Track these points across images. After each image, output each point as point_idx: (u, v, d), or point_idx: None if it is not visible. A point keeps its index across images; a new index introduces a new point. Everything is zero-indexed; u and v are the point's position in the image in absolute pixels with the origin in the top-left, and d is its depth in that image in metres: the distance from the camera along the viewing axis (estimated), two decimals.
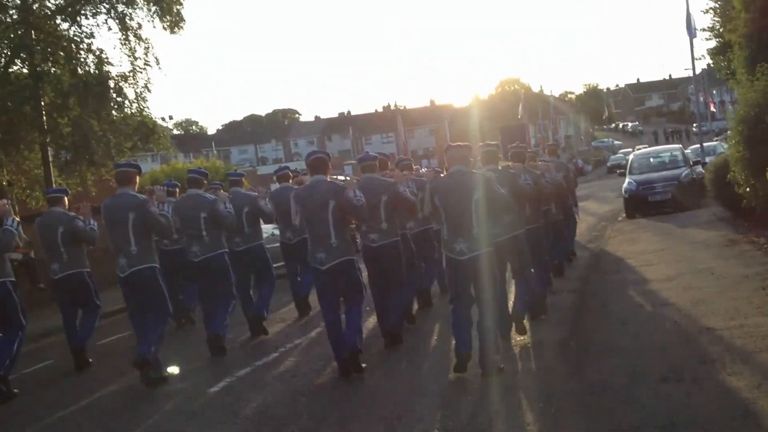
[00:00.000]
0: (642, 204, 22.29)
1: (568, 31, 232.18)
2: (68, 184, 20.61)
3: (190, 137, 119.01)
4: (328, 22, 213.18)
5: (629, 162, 25.61)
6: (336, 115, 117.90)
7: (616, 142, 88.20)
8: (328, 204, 8.25)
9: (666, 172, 23.03)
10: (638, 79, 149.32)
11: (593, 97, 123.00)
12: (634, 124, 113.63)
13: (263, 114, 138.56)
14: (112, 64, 20.64)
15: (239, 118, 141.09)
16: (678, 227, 17.82)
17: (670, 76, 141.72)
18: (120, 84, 20.60)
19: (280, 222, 12.40)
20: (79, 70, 19.91)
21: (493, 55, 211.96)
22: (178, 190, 13.10)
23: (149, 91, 21.23)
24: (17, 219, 9.69)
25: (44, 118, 19.66)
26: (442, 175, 10.85)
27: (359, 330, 8.59)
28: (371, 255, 9.53)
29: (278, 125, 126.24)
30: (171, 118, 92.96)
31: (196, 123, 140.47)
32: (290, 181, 12.99)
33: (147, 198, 9.09)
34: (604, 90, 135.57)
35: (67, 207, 10.95)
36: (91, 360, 10.79)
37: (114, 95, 20.54)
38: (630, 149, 59.38)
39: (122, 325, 12.24)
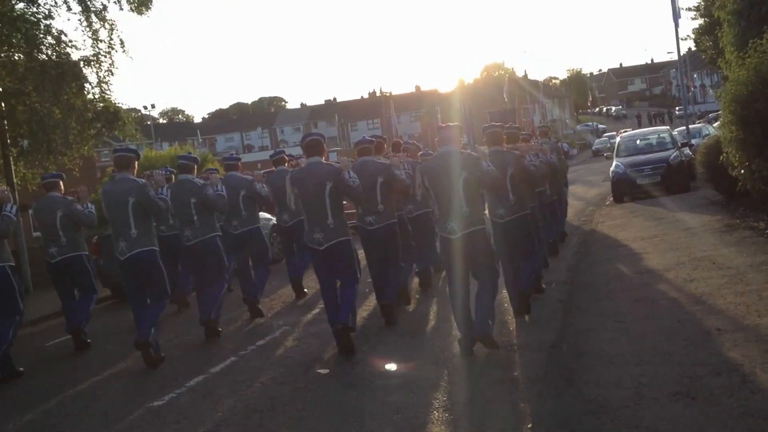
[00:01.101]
0: (630, 187, 21.57)
1: (551, 15, 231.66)
2: (33, 174, 19.61)
3: (176, 126, 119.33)
4: (314, 9, 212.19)
5: (616, 144, 24.82)
6: (322, 102, 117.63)
7: (600, 126, 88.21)
8: (325, 186, 8.33)
9: (654, 155, 22.27)
10: (621, 64, 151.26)
11: (577, 82, 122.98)
12: (617, 108, 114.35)
13: (249, 102, 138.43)
14: (76, 47, 19.62)
15: (225, 106, 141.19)
16: (669, 211, 16.92)
17: (652, 60, 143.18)
18: (80, 67, 19.44)
19: (276, 205, 12.45)
20: (40, 55, 18.73)
21: (477, 41, 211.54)
22: (174, 176, 12.90)
23: (112, 74, 20.25)
24: (16, 205, 9.86)
25: (2, 104, 18.57)
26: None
27: (353, 309, 8.62)
28: (368, 237, 9.60)
29: (264, 113, 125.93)
30: (153, 106, 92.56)
31: (183, 112, 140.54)
32: (286, 164, 13.02)
33: (146, 182, 9.30)
34: (588, 75, 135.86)
35: (63, 191, 11.16)
36: (89, 341, 11.01)
37: (72, 79, 19.28)
38: (614, 133, 59.08)
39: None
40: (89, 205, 10.94)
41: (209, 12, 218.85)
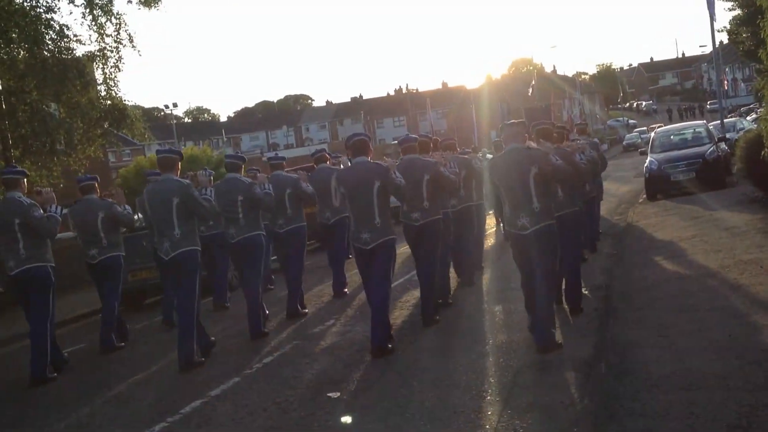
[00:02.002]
0: (664, 184, 20.74)
1: (579, 9, 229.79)
2: (40, 176, 18.99)
3: (201, 125, 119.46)
4: (340, 5, 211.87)
5: (650, 140, 23.92)
6: (348, 99, 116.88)
7: (631, 121, 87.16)
8: (374, 185, 8.38)
9: (689, 150, 21.34)
10: (651, 58, 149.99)
11: (607, 77, 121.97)
12: (648, 102, 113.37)
13: (275, 100, 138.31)
14: (80, 42, 18.89)
15: (251, 104, 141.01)
16: (707, 210, 16.01)
17: (683, 54, 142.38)
18: (84, 63, 18.74)
19: (319, 203, 12.53)
20: (44, 51, 18.04)
21: (504, 35, 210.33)
22: (212, 178, 12.75)
23: (120, 70, 19.55)
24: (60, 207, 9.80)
25: (3, 104, 17.89)
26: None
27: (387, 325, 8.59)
28: (413, 234, 9.57)
29: (290, 111, 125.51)
30: (176, 105, 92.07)
31: (208, 111, 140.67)
32: (327, 162, 13.23)
33: (191, 183, 9.36)
34: (618, 70, 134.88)
35: (99, 194, 11.35)
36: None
37: (75, 76, 18.51)
38: (644, 128, 58.13)
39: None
40: (126, 206, 11.18)
41: (236, 10, 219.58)
